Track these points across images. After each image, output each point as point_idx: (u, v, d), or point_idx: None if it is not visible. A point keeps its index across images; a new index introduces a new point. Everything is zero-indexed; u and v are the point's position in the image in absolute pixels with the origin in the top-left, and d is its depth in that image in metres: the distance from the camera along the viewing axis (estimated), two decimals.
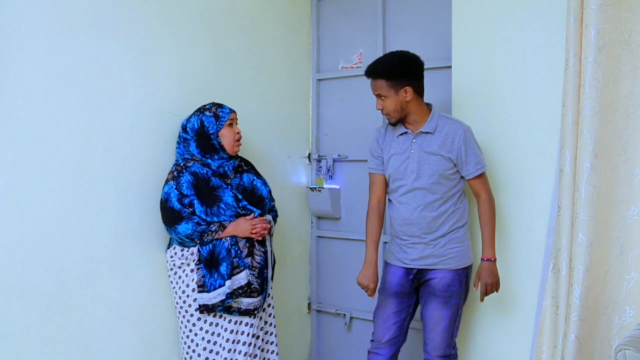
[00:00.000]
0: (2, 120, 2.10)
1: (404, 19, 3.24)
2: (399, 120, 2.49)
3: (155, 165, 2.57)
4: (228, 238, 2.44)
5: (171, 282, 2.53)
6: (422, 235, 2.48)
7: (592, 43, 2.28)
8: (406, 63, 2.47)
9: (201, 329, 2.46)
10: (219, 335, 2.46)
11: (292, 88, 3.44)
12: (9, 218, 2.12)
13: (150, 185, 2.55)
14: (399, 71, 2.43)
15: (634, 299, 2.27)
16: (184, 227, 2.40)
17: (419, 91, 2.48)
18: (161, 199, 2.46)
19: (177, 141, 2.58)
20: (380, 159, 2.61)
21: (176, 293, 2.50)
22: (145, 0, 2.56)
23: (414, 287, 2.56)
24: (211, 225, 2.41)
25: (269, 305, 2.66)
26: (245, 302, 2.44)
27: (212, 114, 2.53)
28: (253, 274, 2.45)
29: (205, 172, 2.48)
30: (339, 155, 3.46)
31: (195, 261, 2.43)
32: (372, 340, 2.64)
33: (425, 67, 2.51)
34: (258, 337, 2.58)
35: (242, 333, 2.48)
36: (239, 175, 2.59)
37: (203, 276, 2.41)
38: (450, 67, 2.87)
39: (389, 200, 2.61)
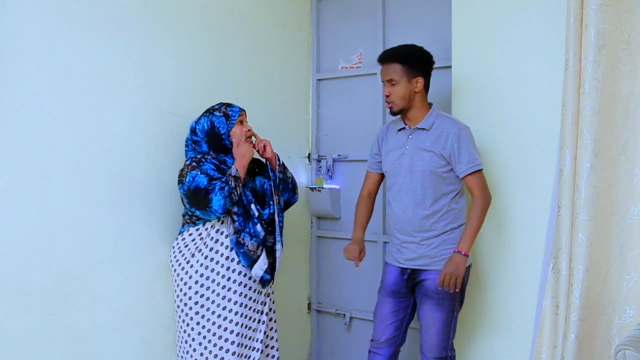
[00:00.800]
0: (2, 120, 2.10)
1: (404, 19, 3.24)
2: (401, 110, 2.49)
3: (155, 165, 2.57)
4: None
5: (174, 269, 2.52)
6: (414, 233, 2.48)
7: (592, 43, 2.28)
8: (423, 56, 2.52)
9: (198, 323, 2.45)
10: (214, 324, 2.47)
11: (292, 88, 3.45)
12: (9, 218, 2.12)
13: (151, 185, 2.55)
14: (416, 60, 2.48)
15: (634, 299, 2.27)
16: (217, 203, 2.36)
17: (427, 87, 2.51)
18: (188, 188, 2.39)
19: (186, 144, 2.58)
20: (377, 157, 2.63)
21: (178, 285, 2.50)
22: (145, 0, 2.56)
23: (410, 287, 2.56)
24: (230, 182, 2.38)
25: (270, 310, 2.65)
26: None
27: (222, 114, 2.53)
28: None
29: (223, 168, 2.49)
30: (338, 155, 3.47)
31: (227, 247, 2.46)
32: (371, 340, 2.65)
33: None
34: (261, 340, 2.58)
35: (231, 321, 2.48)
36: (251, 177, 2.59)
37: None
38: (450, 67, 2.88)
39: (387, 199, 2.62)
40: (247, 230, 2.46)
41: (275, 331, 2.69)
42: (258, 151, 2.61)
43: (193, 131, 2.56)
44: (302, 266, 3.54)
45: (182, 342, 2.53)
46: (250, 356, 2.52)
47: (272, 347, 2.68)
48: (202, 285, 2.45)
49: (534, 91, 2.64)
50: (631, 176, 2.30)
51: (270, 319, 2.66)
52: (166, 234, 2.59)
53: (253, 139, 2.60)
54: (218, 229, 2.47)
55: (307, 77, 3.55)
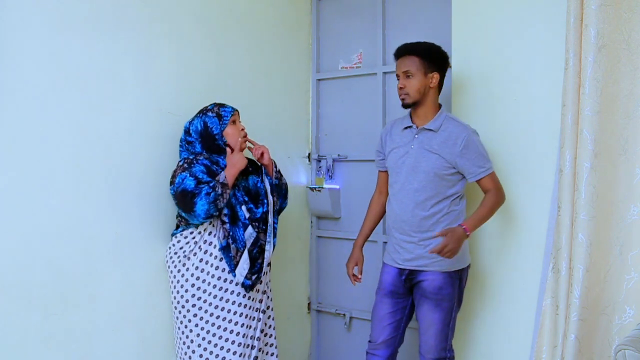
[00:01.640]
0: (2, 120, 2.10)
1: (404, 19, 3.24)
2: (414, 103, 2.49)
3: (155, 165, 2.57)
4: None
5: (170, 270, 2.52)
6: (412, 233, 2.48)
7: (592, 43, 2.28)
8: (441, 54, 2.54)
9: (196, 325, 2.45)
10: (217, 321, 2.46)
11: (292, 88, 3.45)
12: (9, 218, 2.12)
13: (150, 185, 2.55)
14: (434, 56, 2.50)
15: (633, 299, 2.27)
16: (200, 208, 2.35)
17: (440, 86, 2.52)
18: (176, 190, 2.39)
19: (180, 145, 2.57)
20: (381, 154, 2.64)
21: (174, 287, 2.50)
22: (145, 0, 2.56)
23: (407, 287, 2.55)
24: (216, 189, 2.37)
25: (268, 308, 2.65)
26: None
27: (214, 114, 2.53)
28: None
29: (215, 169, 2.48)
30: (338, 155, 3.46)
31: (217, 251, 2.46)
32: (369, 341, 2.64)
33: None
34: (259, 339, 2.58)
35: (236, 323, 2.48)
36: (244, 177, 2.59)
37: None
38: (450, 67, 2.87)
39: (389, 197, 2.62)
40: (232, 234, 2.46)
41: (274, 329, 2.69)
42: (255, 157, 2.62)
43: (187, 132, 2.55)
44: (302, 266, 3.54)
45: (180, 344, 2.53)
46: (250, 355, 2.52)
47: (272, 345, 2.68)
48: (198, 288, 2.45)
49: (534, 91, 2.64)
50: (631, 176, 2.30)
51: (269, 317, 2.66)
52: (166, 234, 2.58)
53: (250, 144, 2.60)
54: (211, 232, 2.48)
55: (307, 77, 3.55)
